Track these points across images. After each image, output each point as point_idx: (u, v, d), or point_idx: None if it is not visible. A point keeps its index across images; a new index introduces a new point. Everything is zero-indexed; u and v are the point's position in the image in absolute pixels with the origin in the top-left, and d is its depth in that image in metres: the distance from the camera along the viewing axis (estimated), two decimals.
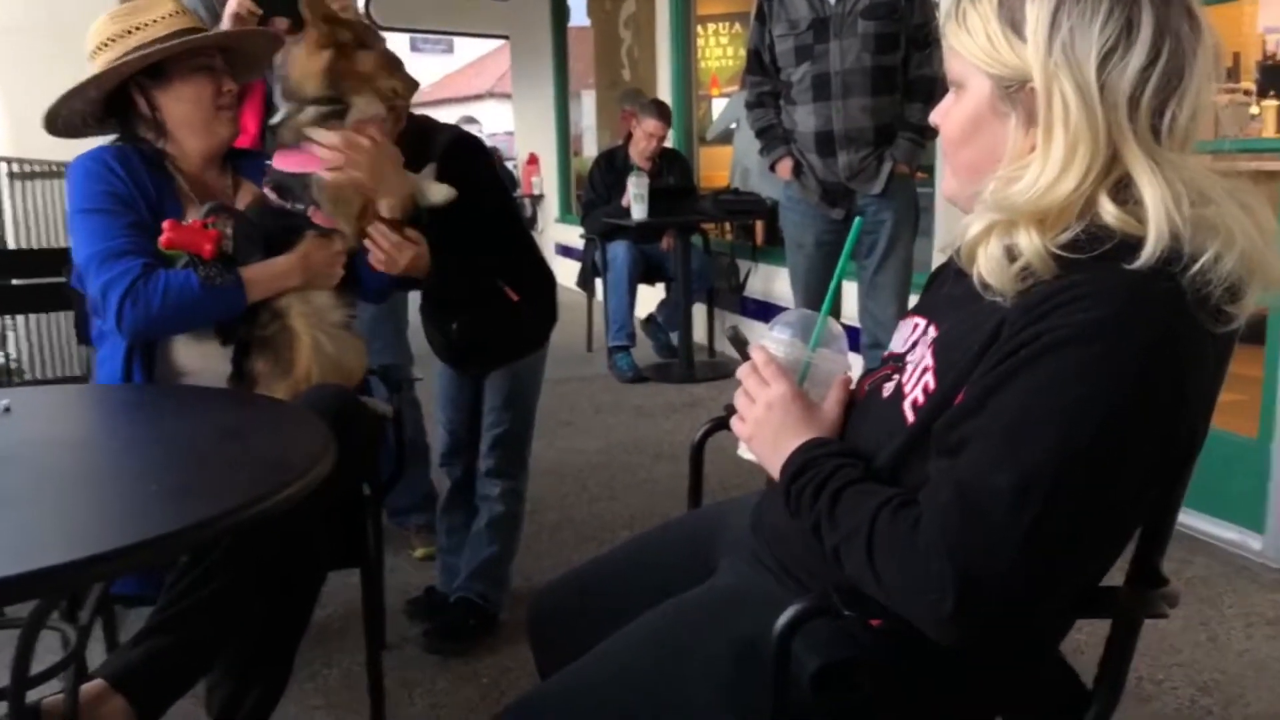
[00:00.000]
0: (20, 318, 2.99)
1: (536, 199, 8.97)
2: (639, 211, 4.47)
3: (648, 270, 4.88)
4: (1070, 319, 0.78)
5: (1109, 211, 0.82)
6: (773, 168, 3.17)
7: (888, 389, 0.96)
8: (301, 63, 1.59)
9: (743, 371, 1.01)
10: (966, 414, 0.81)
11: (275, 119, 1.63)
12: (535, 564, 2.48)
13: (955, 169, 0.96)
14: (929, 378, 0.90)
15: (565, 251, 7.29)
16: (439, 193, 1.69)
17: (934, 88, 2.89)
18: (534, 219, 8.76)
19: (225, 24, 2.11)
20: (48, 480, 1.03)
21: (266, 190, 1.66)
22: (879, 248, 3.04)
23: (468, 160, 1.84)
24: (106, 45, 1.61)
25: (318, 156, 1.58)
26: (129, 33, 1.60)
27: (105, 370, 1.62)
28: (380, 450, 1.79)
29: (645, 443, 3.58)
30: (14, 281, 2.20)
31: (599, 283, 5.01)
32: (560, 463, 3.30)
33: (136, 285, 1.49)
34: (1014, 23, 0.85)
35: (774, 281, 4.77)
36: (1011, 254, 0.84)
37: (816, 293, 3.18)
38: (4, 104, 3.45)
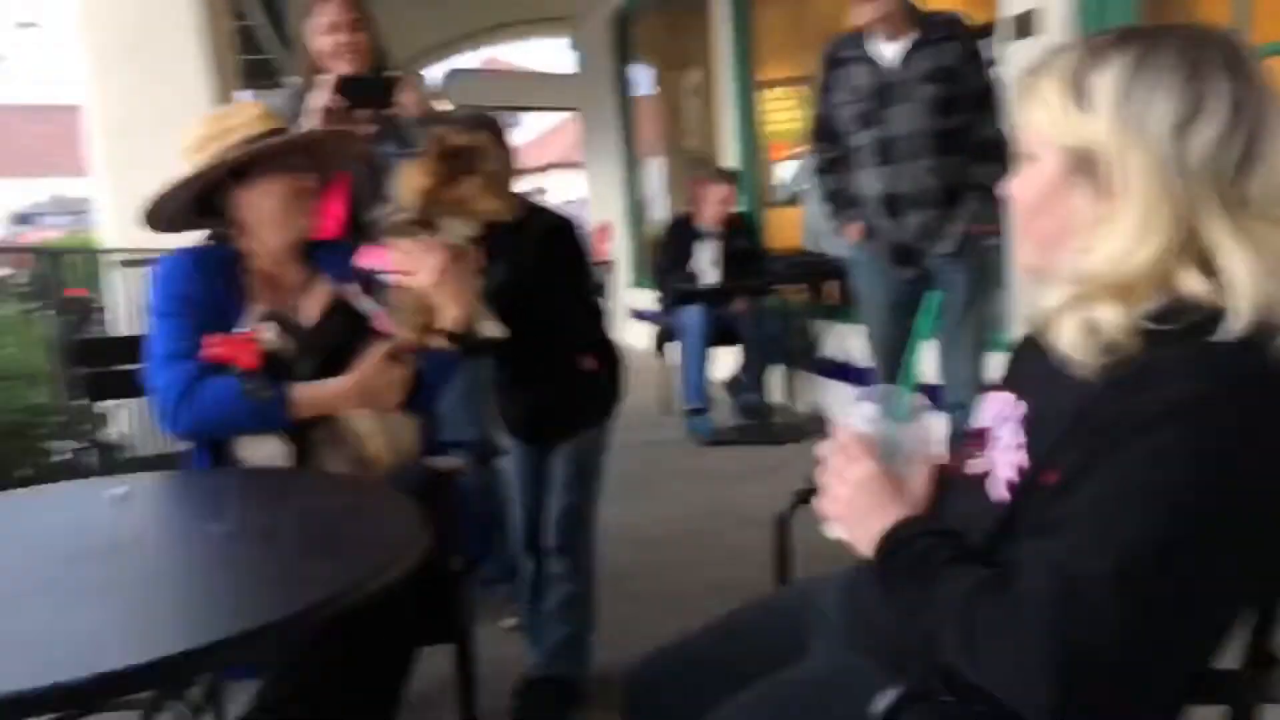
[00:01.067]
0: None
1: (609, 265, 9.10)
2: (710, 276, 4.52)
3: (722, 333, 4.90)
4: (1161, 396, 0.77)
5: (1193, 283, 0.81)
6: (842, 232, 3.20)
7: (977, 466, 0.96)
8: (407, 178, 1.70)
9: (828, 448, 1.01)
10: (1060, 494, 0.80)
11: (371, 214, 1.72)
12: (621, 635, 2.47)
13: (1030, 240, 0.96)
14: (1019, 455, 0.89)
15: (639, 316, 7.36)
16: (491, 329, 1.77)
17: (1000, 149, 2.89)
18: (607, 286, 8.86)
19: (314, 119, 2.23)
20: (164, 568, 1.08)
21: (349, 287, 1.73)
22: (954, 307, 3.01)
23: (563, 243, 1.91)
24: (202, 145, 1.72)
25: (390, 260, 1.66)
26: (218, 136, 1.71)
27: (193, 458, 1.71)
28: (466, 523, 1.82)
29: (727, 508, 3.56)
30: (122, 367, 2.32)
31: (673, 347, 5.04)
32: (641, 529, 3.30)
33: (189, 389, 1.57)
34: (1083, 95, 0.86)
35: (849, 341, 4.74)
36: (1092, 328, 0.84)
37: (893, 353, 3.16)
38: (114, 198, 3.67)
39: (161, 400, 1.59)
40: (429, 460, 1.67)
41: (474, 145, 1.73)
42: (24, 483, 2.59)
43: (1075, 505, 0.79)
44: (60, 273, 2.84)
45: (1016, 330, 3.23)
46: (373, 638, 1.37)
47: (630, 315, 7.86)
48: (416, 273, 1.66)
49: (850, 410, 1.05)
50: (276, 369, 1.61)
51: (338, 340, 1.69)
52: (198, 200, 1.76)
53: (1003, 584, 0.81)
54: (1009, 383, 1.04)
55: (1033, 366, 0.99)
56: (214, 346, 1.57)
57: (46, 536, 1.20)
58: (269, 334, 1.62)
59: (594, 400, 2.03)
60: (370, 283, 1.72)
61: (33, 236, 18.69)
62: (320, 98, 2.22)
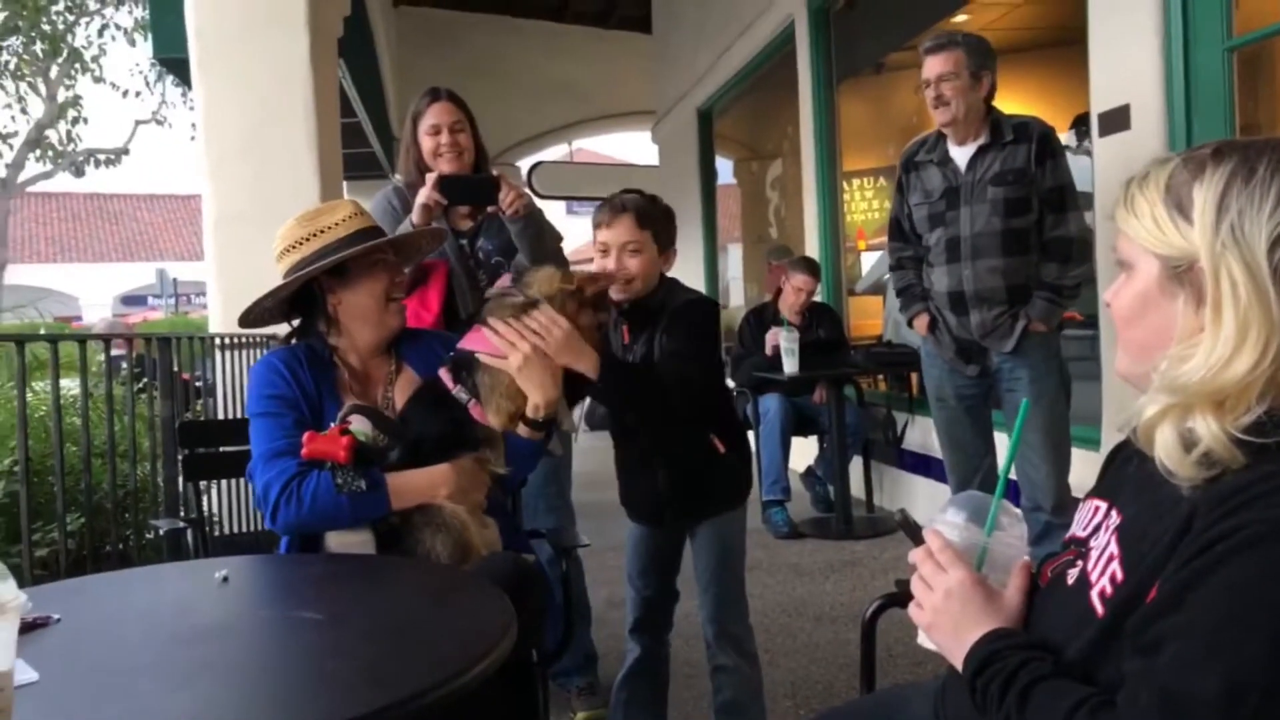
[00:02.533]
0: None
1: None
2: (790, 365, 4.52)
3: (800, 423, 4.87)
4: (1269, 513, 0.76)
5: None
6: (910, 323, 3.26)
7: (1072, 576, 0.94)
8: (547, 276, 1.81)
9: (918, 556, 1.00)
10: (1163, 611, 0.78)
11: (490, 291, 1.85)
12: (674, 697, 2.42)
13: (1126, 348, 0.96)
14: (1116, 567, 0.87)
15: None
16: (568, 423, 1.87)
17: (1069, 249, 2.92)
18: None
19: (415, 215, 2.34)
20: (260, 653, 1.12)
21: (441, 371, 1.78)
22: (1018, 407, 2.98)
23: (692, 320, 1.94)
24: (294, 248, 1.79)
25: (489, 342, 1.72)
26: (313, 236, 1.77)
27: (282, 540, 1.76)
28: (546, 613, 1.83)
29: (804, 604, 3.49)
30: (222, 449, 2.42)
31: (751, 436, 5.02)
32: None
33: (290, 485, 1.62)
34: (1181, 206, 0.87)
35: (931, 434, 4.65)
36: (1189, 439, 0.83)
37: (959, 447, 3.17)
38: (218, 283, 3.87)
39: (265, 498, 1.64)
40: (512, 551, 1.69)
41: (608, 295, 1.87)
42: (122, 556, 2.69)
43: (1178, 623, 0.77)
44: (169, 356, 2.99)
45: (1107, 434, 3.16)
46: None
47: None
48: (508, 354, 1.72)
49: (940, 516, 1.05)
50: (369, 459, 1.65)
51: (427, 427, 1.74)
52: (292, 296, 1.84)
53: (1103, 704, 0.79)
54: (1102, 490, 1.02)
55: (1127, 475, 0.97)
56: (309, 444, 1.62)
57: (155, 616, 1.25)
58: (360, 425, 1.66)
59: (725, 481, 2.01)
60: (461, 370, 1.77)
61: (136, 317, 19.73)
62: (423, 195, 2.33)
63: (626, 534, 2.12)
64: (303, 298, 1.84)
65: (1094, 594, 0.88)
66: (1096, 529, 0.96)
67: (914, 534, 1.05)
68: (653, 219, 1.97)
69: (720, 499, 2.01)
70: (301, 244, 1.78)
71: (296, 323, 1.89)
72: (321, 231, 1.78)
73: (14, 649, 0.84)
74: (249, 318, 1.87)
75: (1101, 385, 3.28)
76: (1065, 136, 4.57)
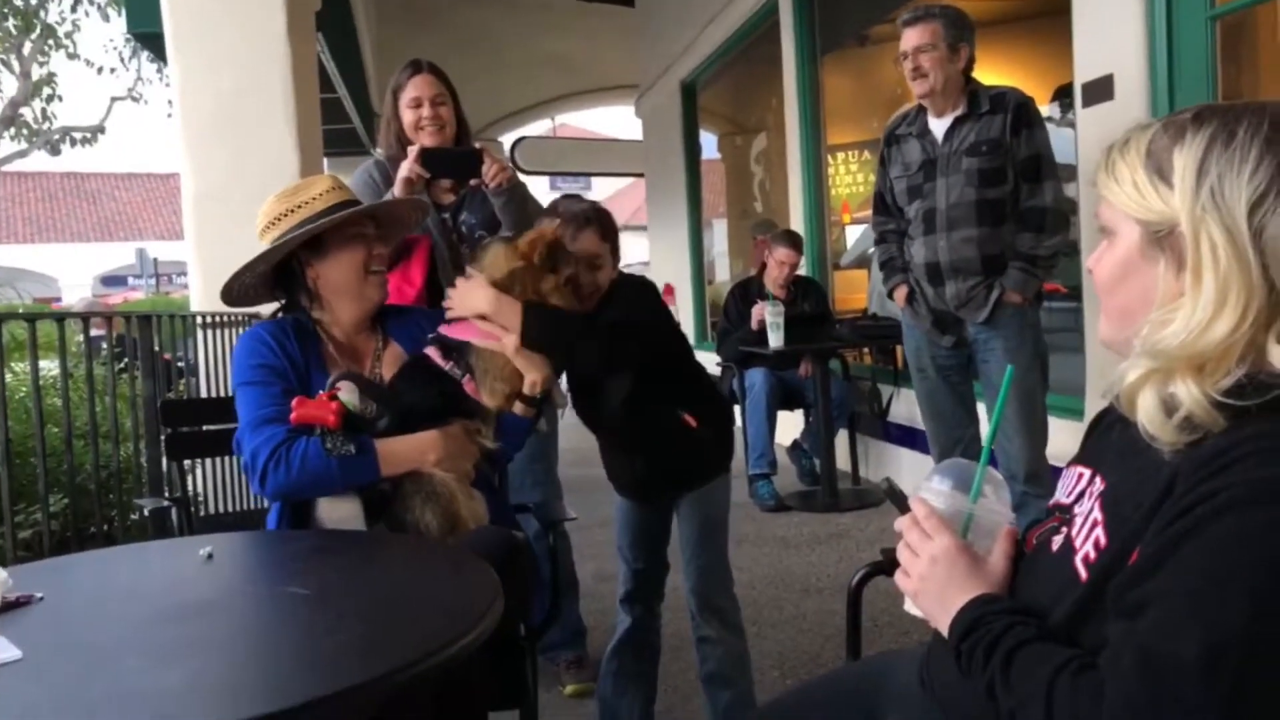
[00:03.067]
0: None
1: None
2: (775, 339, 4.52)
3: (786, 397, 4.88)
4: (1248, 476, 0.76)
5: (1275, 357, 0.81)
6: (890, 295, 3.29)
7: (1056, 543, 0.94)
8: (495, 257, 1.79)
9: (903, 524, 1.01)
10: (1144, 574, 0.79)
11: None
12: (684, 706, 2.44)
13: (1109, 314, 0.96)
14: (1099, 532, 0.88)
15: None
16: (559, 396, 1.87)
17: (1043, 218, 2.93)
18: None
19: (396, 188, 2.32)
20: (247, 629, 1.12)
21: (429, 350, 1.78)
22: (993, 377, 3.02)
23: (634, 298, 1.94)
24: (274, 224, 1.79)
25: (479, 329, 1.71)
26: (292, 211, 1.78)
27: (270, 516, 1.76)
28: (534, 587, 1.83)
29: (791, 576, 3.51)
30: (205, 427, 2.41)
31: (737, 410, 5.04)
32: None
33: (279, 451, 1.62)
34: (1161, 170, 0.87)
35: (916, 406, 4.68)
36: (1170, 403, 0.83)
37: (943, 417, 3.20)
38: (199, 262, 3.83)
39: (252, 464, 1.63)
40: (500, 526, 1.69)
41: (562, 246, 1.81)
42: (106, 536, 2.68)
43: (1159, 587, 0.77)
44: (149, 335, 2.96)
45: (1090, 404, 3.18)
46: (444, 701, 1.38)
47: None
48: (502, 337, 1.73)
49: (925, 484, 1.05)
50: (358, 427, 1.65)
51: (416, 398, 1.74)
52: (274, 273, 1.83)
53: (1085, 666, 0.80)
54: (1085, 457, 1.03)
55: (1110, 441, 0.98)
56: (298, 409, 1.62)
57: (140, 594, 1.24)
58: (348, 393, 1.66)
59: (699, 457, 2.01)
60: (450, 349, 1.76)
61: (117, 298, 19.56)
62: (404, 169, 2.31)
63: (614, 506, 2.13)
64: (285, 275, 1.83)
65: (1078, 559, 0.89)
66: (1080, 495, 0.97)
67: (900, 502, 1.05)
68: (612, 232, 1.96)
69: (698, 473, 2.02)
70: (280, 220, 1.78)
71: (282, 301, 1.88)
72: (299, 206, 1.77)
73: None
74: (231, 293, 1.86)
75: (1085, 356, 3.31)
76: (1048, 108, 4.57)
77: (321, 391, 1.67)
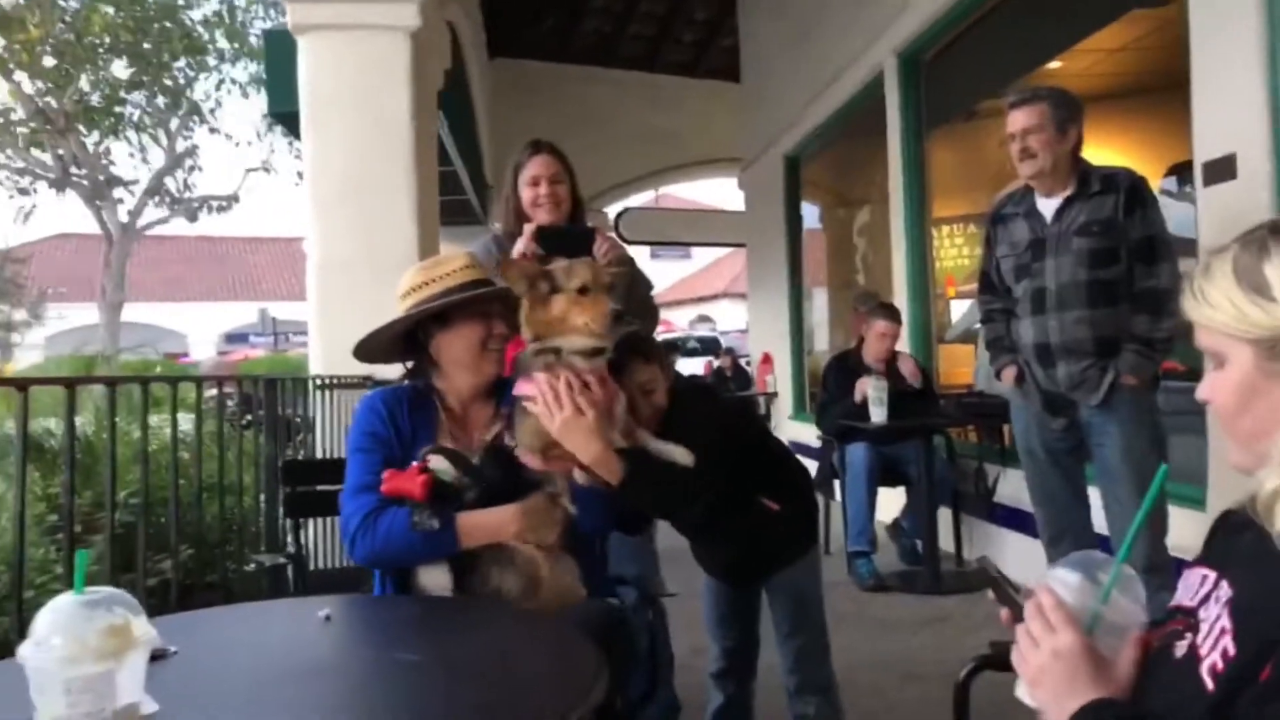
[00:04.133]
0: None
1: (770, 396, 9.14)
2: (878, 414, 4.46)
3: (888, 473, 4.78)
4: None
5: None
6: (999, 375, 3.22)
7: (1180, 649, 0.91)
8: (578, 270, 1.76)
9: (1029, 610, 0.98)
10: (1278, 692, 0.76)
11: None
12: None
13: (1238, 439, 0.94)
14: (1228, 642, 0.85)
15: (799, 450, 7.28)
16: (681, 455, 1.78)
17: (1159, 300, 2.83)
18: (768, 416, 8.90)
19: None
20: (361, 694, 1.16)
21: (504, 422, 1.79)
22: (1109, 462, 2.91)
23: (698, 405, 1.94)
24: (410, 293, 1.89)
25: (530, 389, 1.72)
26: (428, 284, 1.87)
27: (375, 578, 1.82)
28: (634, 661, 1.83)
29: (891, 661, 3.41)
30: (320, 487, 2.51)
31: (836, 485, 4.95)
32: None
33: (369, 520, 1.69)
34: (1257, 286, 0.87)
35: (1024, 488, 4.52)
36: None
37: (1053, 501, 3.10)
38: (318, 328, 4.03)
39: (345, 529, 1.72)
40: (601, 599, 1.70)
41: (550, 267, 1.77)
42: (224, 586, 2.80)
43: None
44: (274, 397, 3.12)
45: (1213, 493, 3.02)
46: None
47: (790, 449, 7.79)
48: (546, 419, 1.68)
49: (1052, 573, 1.02)
50: (447, 499, 1.69)
51: (501, 473, 1.75)
52: (404, 338, 1.93)
53: None
54: (1211, 559, 0.99)
55: (1241, 545, 0.94)
56: (389, 480, 1.68)
57: (264, 652, 1.31)
58: (438, 464, 1.71)
59: (784, 537, 2.00)
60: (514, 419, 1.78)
61: (238, 354, 20.60)
62: (520, 245, 2.40)
63: (703, 583, 2.13)
64: (413, 341, 1.93)
65: (1204, 668, 0.86)
66: (1205, 599, 0.93)
67: (996, 586, 1.03)
68: (657, 352, 1.94)
69: (784, 554, 2.01)
70: (416, 290, 1.88)
71: (409, 366, 1.97)
72: (434, 280, 1.87)
73: (143, 681, 0.89)
74: (362, 351, 1.96)
75: (1207, 440, 3.16)
76: (1162, 183, 4.46)
77: (415, 463, 1.72)
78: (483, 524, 1.70)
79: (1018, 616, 1.02)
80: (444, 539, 1.68)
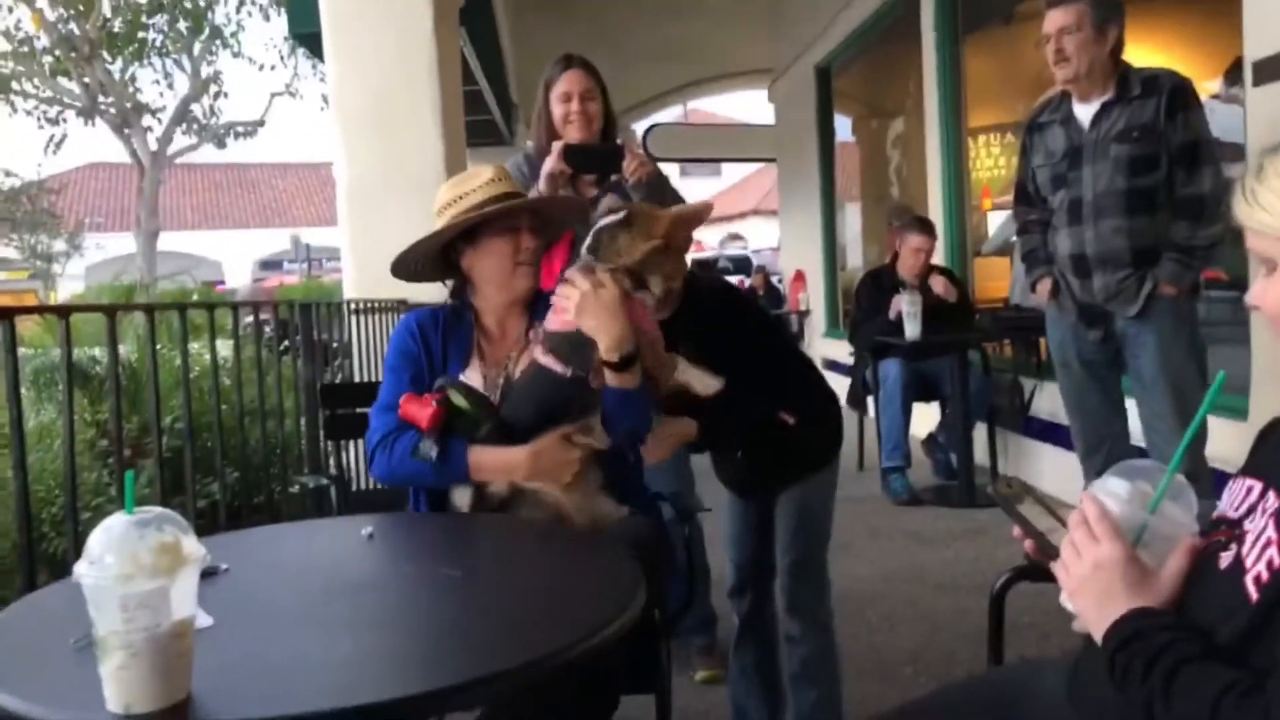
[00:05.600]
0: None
1: (803, 314, 9.08)
2: (912, 330, 4.42)
3: (922, 388, 4.76)
4: None
5: None
6: (1034, 288, 3.18)
7: (1225, 560, 0.90)
8: (634, 241, 1.69)
9: (1073, 520, 0.97)
10: None
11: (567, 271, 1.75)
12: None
13: None
14: (1273, 552, 0.84)
15: (833, 367, 7.27)
16: (705, 384, 1.75)
17: (1201, 207, 2.75)
18: (801, 334, 8.86)
19: (541, 183, 2.39)
20: (406, 607, 1.19)
21: (539, 355, 1.72)
22: (1145, 373, 2.87)
23: (722, 311, 1.92)
24: (442, 210, 1.87)
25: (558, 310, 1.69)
26: (458, 200, 1.85)
27: (410, 495, 1.85)
28: (671, 576, 1.86)
29: (925, 572, 3.44)
30: (357, 410, 2.55)
31: (870, 401, 4.95)
32: (836, 589, 3.23)
33: (387, 440, 1.71)
34: None
35: (1060, 401, 4.49)
36: None
37: (1088, 413, 3.08)
38: (351, 250, 4.04)
39: (368, 444, 1.75)
40: (640, 515, 1.72)
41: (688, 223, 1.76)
42: (270, 507, 2.88)
43: None
44: (309, 322, 3.15)
45: (1255, 404, 2.98)
46: (582, 682, 1.43)
47: (824, 366, 7.78)
48: (566, 309, 1.67)
49: (1100, 484, 1.01)
50: (456, 432, 1.67)
51: (522, 412, 1.71)
52: (441, 256, 1.92)
53: (1253, 688, 0.77)
54: (1256, 469, 0.98)
55: None
56: (404, 405, 1.69)
57: (311, 569, 1.35)
58: (456, 395, 1.69)
59: (806, 450, 1.98)
60: (556, 348, 1.71)
61: (273, 281, 20.77)
62: (548, 164, 2.37)
63: (725, 501, 2.14)
64: (448, 259, 1.92)
65: (1249, 579, 0.85)
66: (1251, 510, 0.92)
67: (1016, 515, 1.03)
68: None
69: (794, 469, 1.99)
70: (448, 207, 1.86)
71: (448, 284, 1.96)
72: (461, 197, 1.85)
73: (195, 597, 0.92)
74: (399, 269, 1.94)
75: (1250, 351, 3.10)
76: (1217, 83, 4.28)
77: (429, 392, 1.71)
78: (493, 463, 1.68)
79: (1040, 544, 1.01)
80: (453, 469, 1.67)
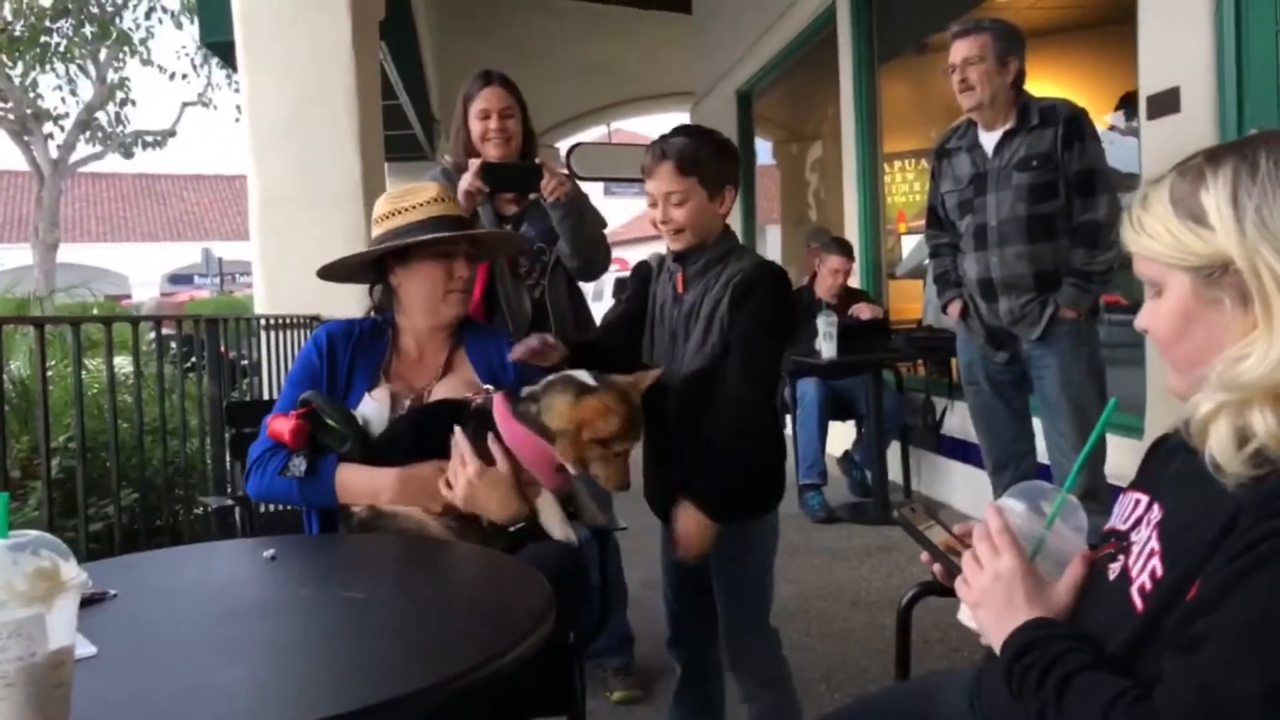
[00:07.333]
0: None
1: None
2: (828, 349, 4.49)
3: (838, 407, 4.85)
4: None
5: None
6: (945, 310, 3.28)
7: (1113, 571, 0.94)
8: (561, 411, 1.58)
9: (975, 534, 1.00)
10: (1203, 609, 0.78)
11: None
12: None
13: (1177, 366, 0.95)
14: (1156, 563, 0.87)
15: None
16: (566, 533, 1.66)
17: (1097, 233, 2.86)
18: None
19: (461, 200, 2.36)
20: (308, 631, 1.15)
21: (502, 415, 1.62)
22: (1048, 394, 2.99)
23: (774, 315, 1.83)
24: (380, 221, 1.83)
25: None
26: (396, 214, 1.81)
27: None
28: (584, 594, 1.84)
29: (840, 588, 3.49)
30: None
31: (789, 419, 5.01)
32: None
33: (264, 456, 1.68)
34: (1194, 215, 0.88)
35: (971, 420, 4.61)
36: (1243, 436, 0.82)
37: (996, 429, 3.18)
38: (263, 265, 3.93)
39: (248, 461, 1.71)
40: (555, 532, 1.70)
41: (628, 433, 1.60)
42: (172, 530, 2.76)
43: (1219, 623, 0.77)
44: (216, 337, 3.05)
45: (1150, 423, 3.11)
46: (493, 706, 1.40)
47: None
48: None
49: (1000, 504, 1.04)
50: (320, 449, 1.64)
51: (398, 438, 1.68)
52: (373, 262, 1.87)
53: (1141, 698, 0.80)
54: (1143, 484, 1.01)
55: (1170, 469, 0.97)
56: (270, 422, 1.66)
57: (208, 593, 1.29)
58: (323, 412, 1.65)
59: (750, 488, 1.84)
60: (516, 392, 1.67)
61: (183, 296, 20.10)
62: (465, 181, 2.34)
63: (661, 535, 1.99)
64: (379, 271, 1.88)
65: (1134, 589, 0.88)
66: (1137, 523, 0.96)
67: (914, 532, 1.06)
68: (697, 163, 1.76)
69: (741, 508, 1.82)
70: (384, 219, 1.82)
71: (377, 290, 1.92)
72: (399, 212, 1.80)
73: (75, 625, 0.87)
74: (327, 271, 1.91)
75: (1145, 371, 3.24)
76: (1112, 117, 4.48)
77: (294, 410, 1.67)
78: (360, 483, 1.64)
79: (945, 564, 1.05)
80: (320, 487, 1.63)
